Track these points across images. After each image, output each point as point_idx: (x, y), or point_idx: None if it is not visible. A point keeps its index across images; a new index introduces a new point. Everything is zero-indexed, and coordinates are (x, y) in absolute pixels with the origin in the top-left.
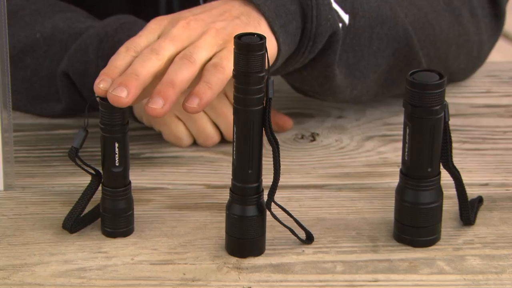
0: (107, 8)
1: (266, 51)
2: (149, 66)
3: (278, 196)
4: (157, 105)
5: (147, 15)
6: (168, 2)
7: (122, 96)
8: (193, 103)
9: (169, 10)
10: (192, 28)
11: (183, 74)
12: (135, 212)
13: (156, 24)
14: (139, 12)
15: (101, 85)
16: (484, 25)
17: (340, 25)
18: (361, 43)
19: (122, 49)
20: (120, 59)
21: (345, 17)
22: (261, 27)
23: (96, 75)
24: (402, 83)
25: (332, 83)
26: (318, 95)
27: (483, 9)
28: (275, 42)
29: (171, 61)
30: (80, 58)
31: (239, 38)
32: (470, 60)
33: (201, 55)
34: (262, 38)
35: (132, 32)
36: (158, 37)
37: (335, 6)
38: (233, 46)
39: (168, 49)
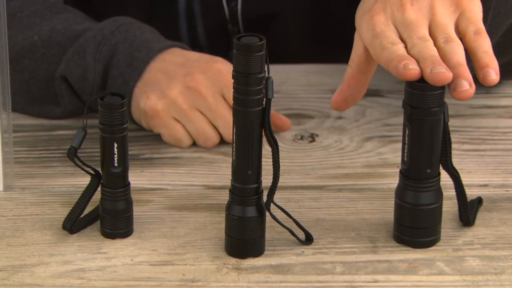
0: (123, 14)
1: (266, 51)
2: (433, 49)
3: (278, 196)
4: (464, 86)
5: (164, 22)
6: (188, 8)
7: (446, 71)
8: (491, 75)
9: (190, 15)
10: (415, 10)
11: (460, 54)
12: (134, 213)
13: (380, 16)
14: (155, 19)
15: (410, 66)
16: None
17: None
18: None
19: (387, 44)
20: (397, 49)
21: None
22: None
23: (94, 78)
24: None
25: None
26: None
27: None
28: None
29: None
30: (78, 61)
31: (238, 39)
32: None
33: (452, 30)
34: (261, 39)
35: (130, 34)
36: (394, 26)
37: None
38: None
39: (426, 32)
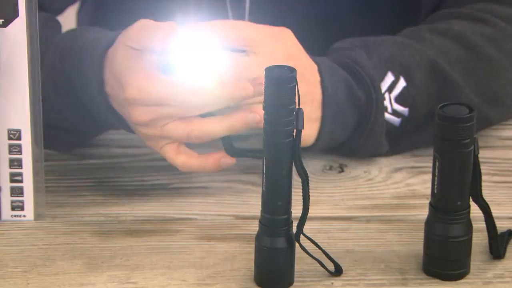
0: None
1: (297, 83)
2: None
3: (307, 227)
4: None
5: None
6: None
7: None
8: None
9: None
10: None
11: None
12: (163, 243)
13: None
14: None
15: None
16: None
17: (399, 120)
18: (423, 126)
19: None
20: None
21: (405, 111)
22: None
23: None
24: None
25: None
26: None
27: None
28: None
29: None
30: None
31: (270, 70)
32: None
33: None
34: (292, 70)
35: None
36: None
37: (395, 106)
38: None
39: None
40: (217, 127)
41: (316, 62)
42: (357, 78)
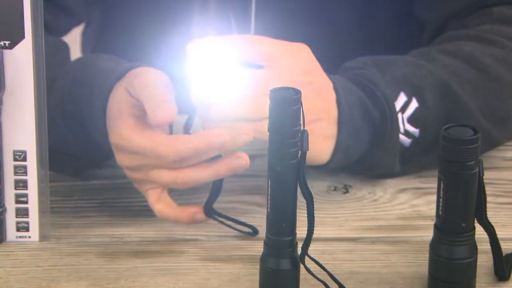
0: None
1: (302, 105)
2: None
3: (311, 248)
4: None
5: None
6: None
7: None
8: None
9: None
10: None
11: None
12: (168, 264)
13: None
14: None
15: None
16: None
17: (409, 140)
18: (432, 148)
19: None
20: None
21: (415, 132)
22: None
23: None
24: None
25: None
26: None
27: None
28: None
29: None
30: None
31: (274, 92)
32: None
33: None
34: (297, 92)
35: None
36: None
37: (407, 127)
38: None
39: None
40: (202, 173)
41: (331, 80)
42: (372, 97)
